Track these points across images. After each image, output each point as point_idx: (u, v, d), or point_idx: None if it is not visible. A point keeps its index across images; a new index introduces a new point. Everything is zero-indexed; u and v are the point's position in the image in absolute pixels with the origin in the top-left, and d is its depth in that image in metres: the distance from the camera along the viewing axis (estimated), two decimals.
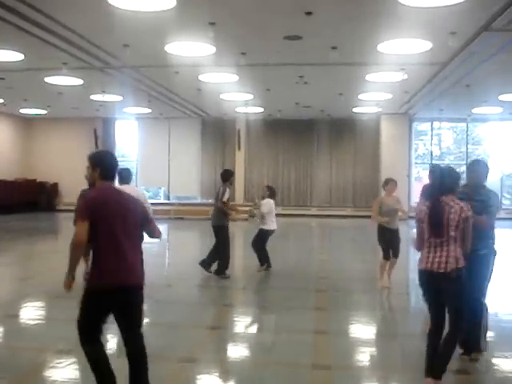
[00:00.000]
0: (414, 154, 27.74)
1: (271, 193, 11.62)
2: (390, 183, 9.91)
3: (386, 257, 9.81)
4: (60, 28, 11.80)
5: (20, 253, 14.99)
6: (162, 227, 23.38)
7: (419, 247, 5.18)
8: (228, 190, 10.84)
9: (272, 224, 11.46)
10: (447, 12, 10.47)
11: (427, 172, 5.78)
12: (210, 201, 27.14)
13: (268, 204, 11.36)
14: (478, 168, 5.96)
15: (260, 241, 11.46)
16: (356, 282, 10.81)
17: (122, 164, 22.90)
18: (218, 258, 10.94)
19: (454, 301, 4.94)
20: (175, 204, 27.82)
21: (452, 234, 4.91)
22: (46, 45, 12.89)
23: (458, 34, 11.77)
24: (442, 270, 4.91)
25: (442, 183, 5.01)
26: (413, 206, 26.82)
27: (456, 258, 4.92)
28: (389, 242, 9.73)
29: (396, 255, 9.84)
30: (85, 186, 8.23)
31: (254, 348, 6.69)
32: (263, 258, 11.47)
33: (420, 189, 7.97)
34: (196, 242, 18.99)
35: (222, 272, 10.83)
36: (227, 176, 11.12)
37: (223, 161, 28.05)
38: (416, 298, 9.24)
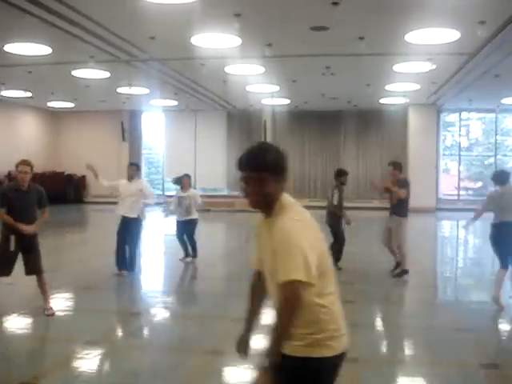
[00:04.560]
0: (441, 145, 27.42)
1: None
2: None
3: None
4: (87, 21, 11.86)
5: (49, 244, 15.11)
6: None
7: None
8: (337, 190, 10.65)
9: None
10: (476, 1, 10.30)
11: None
12: (236, 193, 27.30)
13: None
14: None
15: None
16: (384, 274, 10.72)
17: (150, 156, 22.95)
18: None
19: None
20: (202, 196, 27.82)
21: None
22: (73, 38, 12.95)
23: (486, 24, 11.57)
24: None
25: None
26: (440, 198, 26.69)
27: None
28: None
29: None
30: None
31: None
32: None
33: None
34: (223, 234, 19.02)
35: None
36: (340, 174, 10.89)
37: None
38: (443, 291, 9.15)
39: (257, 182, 2.72)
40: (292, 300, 2.55)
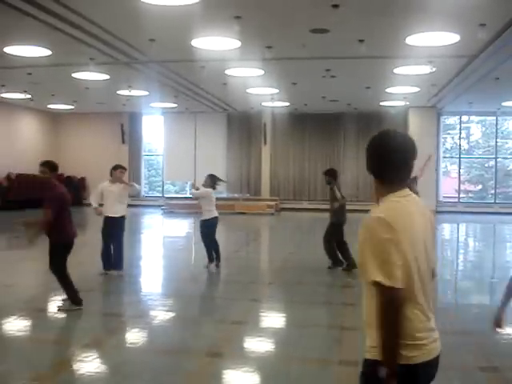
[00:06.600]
0: (442, 147, 27.40)
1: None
2: None
3: None
4: (87, 23, 11.84)
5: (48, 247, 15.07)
6: (188, 221, 23.49)
7: None
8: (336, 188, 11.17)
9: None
10: (476, 4, 10.29)
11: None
12: (236, 195, 27.33)
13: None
14: None
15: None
16: None
17: (149, 159, 22.79)
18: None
19: None
20: None
21: None
22: (73, 40, 12.94)
23: (487, 27, 11.56)
24: None
25: None
26: (440, 201, 26.66)
27: None
28: None
29: None
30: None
31: (280, 343, 6.65)
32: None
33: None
34: (222, 237, 18.95)
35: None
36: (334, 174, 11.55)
37: (249, 155, 28.05)
38: (443, 295, 9.13)
39: None
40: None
